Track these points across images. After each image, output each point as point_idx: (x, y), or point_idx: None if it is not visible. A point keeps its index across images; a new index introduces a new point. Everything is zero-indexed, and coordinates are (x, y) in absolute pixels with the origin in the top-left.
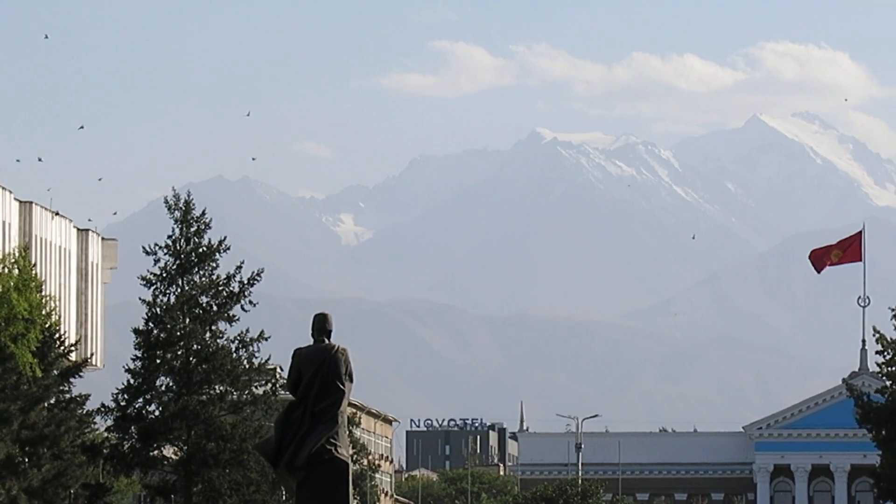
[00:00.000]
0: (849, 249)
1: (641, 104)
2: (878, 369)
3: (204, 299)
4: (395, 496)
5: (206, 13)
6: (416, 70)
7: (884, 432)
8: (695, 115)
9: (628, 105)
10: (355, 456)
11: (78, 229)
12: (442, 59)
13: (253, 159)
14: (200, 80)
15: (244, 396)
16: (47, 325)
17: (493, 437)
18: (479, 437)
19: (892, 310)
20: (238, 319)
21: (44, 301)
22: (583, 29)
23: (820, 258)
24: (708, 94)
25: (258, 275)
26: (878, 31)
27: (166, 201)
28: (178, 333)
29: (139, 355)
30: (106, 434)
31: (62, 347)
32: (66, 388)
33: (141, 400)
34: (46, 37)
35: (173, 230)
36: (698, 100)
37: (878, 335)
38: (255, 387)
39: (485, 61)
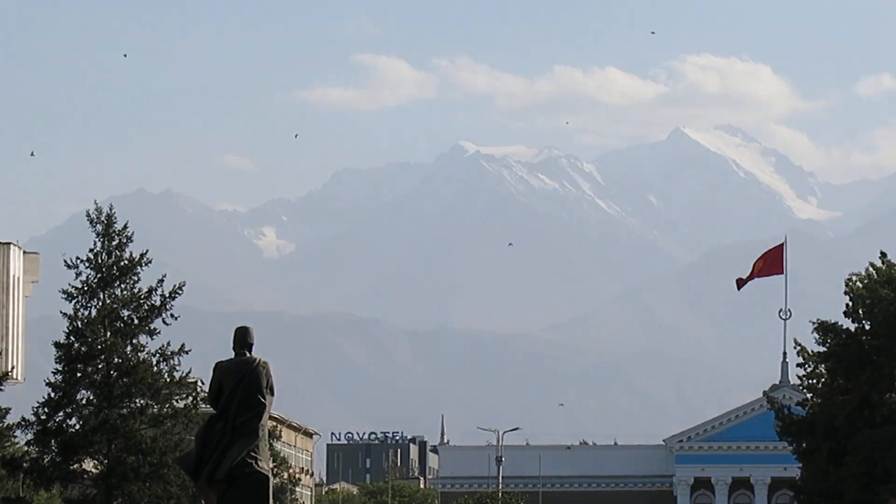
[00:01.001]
0: (771, 262)
1: (564, 117)
2: (798, 382)
3: (125, 313)
4: None
5: (127, 27)
6: (338, 84)
7: (804, 445)
8: (617, 128)
9: (551, 118)
10: (276, 469)
11: None
12: (364, 72)
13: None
14: (122, 93)
15: (165, 410)
16: None
17: (414, 451)
18: (399, 450)
19: (813, 322)
20: (159, 333)
21: None
22: (504, 42)
23: (746, 280)
24: (630, 107)
25: (180, 288)
26: (800, 45)
27: (88, 215)
28: (99, 347)
29: (60, 369)
30: (26, 448)
31: None
32: None
33: (61, 413)
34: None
35: (95, 243)
36: (620, 113)
37: (799, 348)
38: (176, 400)
39: (407, 74)
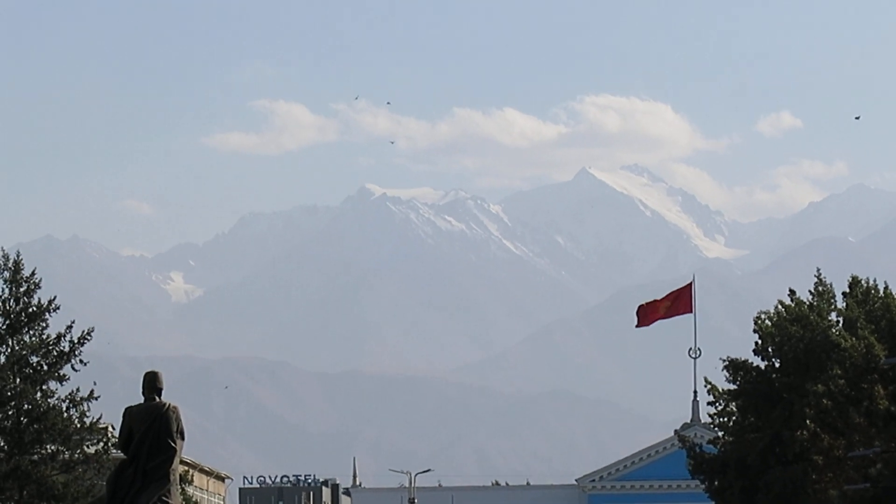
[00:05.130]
0: (680, 301)
1: (466, 159)
2: (709, 420)
3: (34, 359)
4: None
5: (29, 73)
6: (237, 129)
7: (716, 483)
8: (519, 169)
9: (452, 160)
10: None
11: None
12: (262, 117)
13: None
14: (26, 140)
15: (76, 456)
16: None
17: (327, 493)
18: (311, 493)
19: (723, 360)
20: (69, 379)
21: None
22: (403, 85)
23: (647, 313)
24: (531, 149)
25: (88, 334)
26: (699, 84)
27: None
28: (9, 393)
29: None
30: None
31: None
32: None
33: None
34: None
35: (3, 290)
36: (522, 154)
37: (709, 386)
38: (87, 446)
39: (306, 119)
